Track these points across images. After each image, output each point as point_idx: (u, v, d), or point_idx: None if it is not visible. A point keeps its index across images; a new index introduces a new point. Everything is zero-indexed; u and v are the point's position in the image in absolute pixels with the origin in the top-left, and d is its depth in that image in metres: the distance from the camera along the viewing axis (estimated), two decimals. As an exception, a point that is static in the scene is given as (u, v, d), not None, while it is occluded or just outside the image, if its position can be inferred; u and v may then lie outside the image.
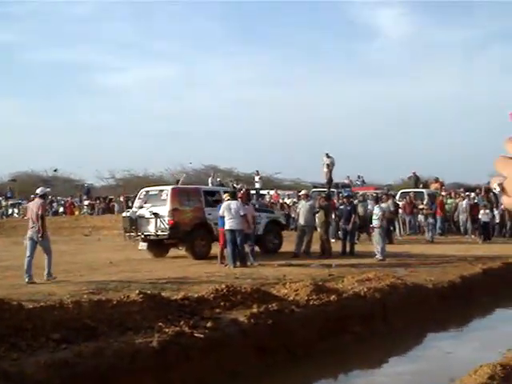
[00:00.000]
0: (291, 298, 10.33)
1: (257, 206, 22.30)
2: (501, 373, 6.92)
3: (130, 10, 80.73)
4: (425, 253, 19.87)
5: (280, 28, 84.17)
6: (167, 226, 17.89)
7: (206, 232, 18.46)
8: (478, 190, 30.48)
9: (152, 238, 18.30)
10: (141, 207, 18.93)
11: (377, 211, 18.61)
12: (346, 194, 24.10)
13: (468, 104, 79.31)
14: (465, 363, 8.19)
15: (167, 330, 7.82)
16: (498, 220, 26.42)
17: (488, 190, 31.24)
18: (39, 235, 12.76)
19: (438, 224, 26.63)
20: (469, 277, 14.15)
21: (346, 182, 35.54)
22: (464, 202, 27.33)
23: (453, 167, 66.17)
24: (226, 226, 15.79)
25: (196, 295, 9.98)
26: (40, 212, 12.87)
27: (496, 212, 26.28)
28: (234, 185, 32.63)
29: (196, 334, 7.92)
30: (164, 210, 18.11)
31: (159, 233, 18.05)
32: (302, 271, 14.86)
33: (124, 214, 20.35)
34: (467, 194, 29.81)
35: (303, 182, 45.53)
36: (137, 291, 9.29)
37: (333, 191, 29.09)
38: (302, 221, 18.76)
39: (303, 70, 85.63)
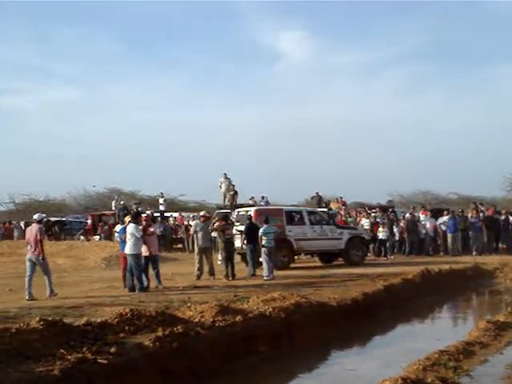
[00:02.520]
0: (196, 320, 10.23)
1: (161, 228, 22.54)
2: (402, 387, 7.08)
3: (29, 32, 78.85)
4: (328, 271, 20.20)
5: (184, 51, 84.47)
6: None
7: (286, 245, 21.86)
8: (377, 209, 31.34)
9: (239, 251, 20.99)
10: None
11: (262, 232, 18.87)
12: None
13: (365, 126, 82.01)
14: (367, 379, 8.32)
15: (69, 357, 7.53)
16: (397, 237, 27.22)
17: (387, 208, 32.22)
18: (40, 258, 14.39)
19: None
20: (371, 294, 14.46)
21: (251, 202, 35.73)
22: (365, 220, 28.05)
23: (355, 187, 67.82)
24: (125, 250, 15.65)
25: (99, 320, 9.71)
26: (39, 237, 14.34)
27: (396, 229, 27.09)
28: (137, 208, 32.17)
29: (99, 360, 7.67)
30: None
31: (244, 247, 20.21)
32: (207, 293, 14.79)
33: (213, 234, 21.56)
34: (369, 212, 30.55)
35: (208, 204, 45.46)
36: (37, 318, 8.93)
37: (228, 212, 29.13)
38: (201, 242, 18.66)
39: (206, 93, 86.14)
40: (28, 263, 14.59)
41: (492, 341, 10.33)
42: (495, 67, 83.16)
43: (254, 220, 20.57)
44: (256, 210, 22.39)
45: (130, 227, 15.53)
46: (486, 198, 48.62)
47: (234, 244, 19.50)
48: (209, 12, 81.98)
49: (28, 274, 14.38)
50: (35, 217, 15.16)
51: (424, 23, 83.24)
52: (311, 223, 22.88)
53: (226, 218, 20.21)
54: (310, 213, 23.70)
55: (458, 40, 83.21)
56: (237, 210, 24.28)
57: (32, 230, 14.65)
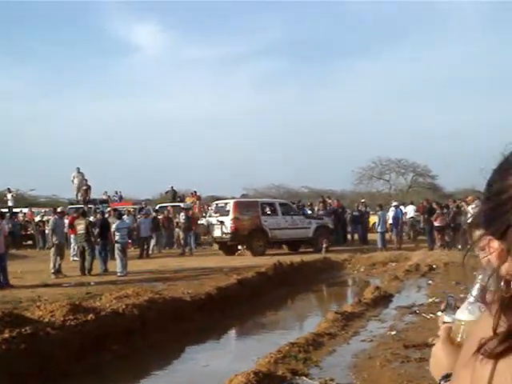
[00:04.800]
0: (46, 320, 9.92)
1: (9, 225, 21.91)
2: (254, 380, 7.25)
3: None
4: (182, 266, 20.26)
5: (34, 43, 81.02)
6: (230, 231, 23.58)
7: (262, 235, 24.12)
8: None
9: (218, 240, 24.52)
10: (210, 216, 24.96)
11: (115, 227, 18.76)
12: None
13: (220, 119, 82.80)
14: (221, 374, 8.43)
15: None
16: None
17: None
18: None
19: (193, 238, 27.32)
20: (225, 287, 14.65)
21: (104, 197, 35.09)
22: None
23: (209, 181, 68.32)
24: None
25: None
26: None
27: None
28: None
29: None
30: (227, 218, 23.68)
31: (224, 236, 23.81)
32: (58, 291, 14.40)
33: (199, 222, 26.29)
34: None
35: (60, 199, 43.95)
36: None
37: (90, 207, 28.53)
38: (57, 238, 18.13)
39: (58, 84, 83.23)
40: None
41: (340, 331, 10.77)
42: (348, 63, 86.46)
43: (233, 211, 23.54)
44: (235, 202, 25.07)
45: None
46: (336, 191, 50.69)
47: (90, 239, 19.15)
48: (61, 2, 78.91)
49: None
50: None
51: (281, 19, 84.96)
52: (283, 214, 25.09)
53: (83, 213, 19.88)
54: (281, 204, 26.13)
55: (312, 36, 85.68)
56: (215, 203, 26.73)
57: None
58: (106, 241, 19.03)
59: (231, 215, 23.82)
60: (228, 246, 24.69)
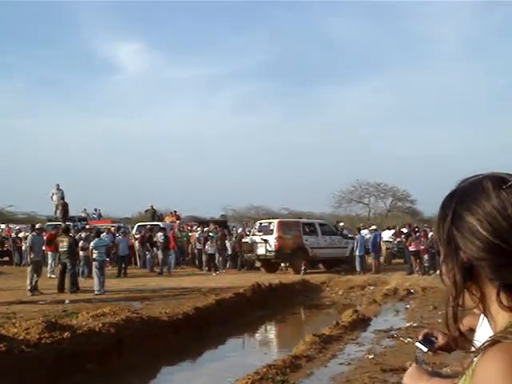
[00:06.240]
0: (21, 338, 9.79)
1: None
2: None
3: None
4: (160, 285, 20.14)
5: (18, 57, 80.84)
6: (273, 249, 24.72)
7: (304, 253, 25.19)
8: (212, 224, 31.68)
9: (262, 258, 25.43)
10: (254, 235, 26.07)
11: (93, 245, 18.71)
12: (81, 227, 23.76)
13: (201, 140, 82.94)
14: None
15: None
16: (230, 252, 27.67)
17: (220, 222, 32.65)
18: None
19: (173, 256, 27.19)
20: (203, 308, 14.56)
21: (83, 215, 34.86)
22: (197, 234, 28.29)
23: (189, 201, 68.14)
24: None
25: None
26: None
27: (228, 244, 27.53)
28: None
29: None
30: (271, 237, 24.87)
31: (267, 254, 24.91)
32: (33, 308, 14.22)
33: (243, 240, 27.05)
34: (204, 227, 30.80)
35: (38, 216, 43.55)
36: None
37: (69, 224, 28.31)
38: (35, 256, 17.94)
39: (41, 101, 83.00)
40: None
41: (317, 354, 10.74)
42: (326, 87, 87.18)
43: (277, 230, 24.81)
44: (279, 222, 26.18)
45: None
46: (315, 213, 50.84)
47: (72, 256, 18.95)
48: (46, 17, 78.92)
49: None
50: None
51: (262, 42, 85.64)
52: (322, 233, 26.27)
53: (66, 230, 19.76)
54: (321, 224, 27.51)
55: (293, 60, 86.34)
56: (259, 222, 27.79)
57: None
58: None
59: (275, 234, 24.98)
60: (270, 264, 25.66)
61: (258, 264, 26.37)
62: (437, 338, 2.24)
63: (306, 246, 25.54)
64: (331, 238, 26.52)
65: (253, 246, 25.78)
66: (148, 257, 27.13)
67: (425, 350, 2.15)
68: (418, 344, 2.17)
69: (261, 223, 27.02)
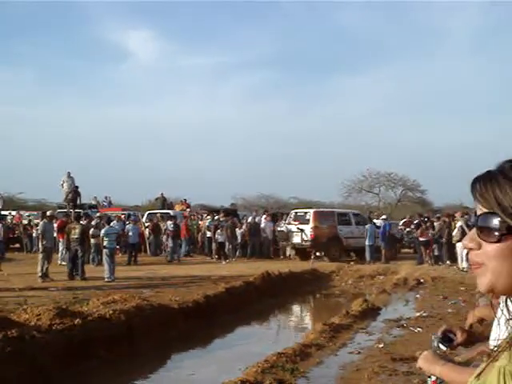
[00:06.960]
0: (33, 324, 9.84)
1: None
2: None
3: None
4: (170, 273, 20.18)
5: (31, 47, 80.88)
6: (309, 238, 25.41)
7: (338, 243, 26.17)
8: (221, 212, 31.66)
9: (298, 246, 26.25)
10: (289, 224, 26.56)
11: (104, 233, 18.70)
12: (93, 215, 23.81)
13: (211, 129, 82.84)
14: (207, 383, 8.40)
15: None
16: (240, 240, 27.65)
17: (230, 211, 32.62)
18: None
19: (184, 245, 27.23)
20: (212, 296, 14.59)
21: (93, 202, 34.92)
22: (208, 222, 28.29)
23: (199, 189, 68.25)
24: None
25: None
26: None
27: (238, 232, 27.51)
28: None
29: None
30: (307, 227, 25.53)
31: (303, 243, 25.68)
32: (44, 295, 14.29)
33: (279, 229, 27.52)
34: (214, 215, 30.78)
35: (49, 203, 43.71)
36: None
37: (80, 212, 28.38)
38: (47, 242, 18.03)
39: (53, 90, 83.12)
40: None
41: (327, 342, 10.77)
42: (337, 77, 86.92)
43: (313, 220, 25.54)
44: (315, 212, 26.80)
45: None
46: (325, 203, 50.74)
47: (84, 243, 19.03)
48: (55, 7, 78.84)
49: None
50: None
51: (271, 32, 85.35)
52: (356, 224, 27.05)
53: (78, 217, 19.82)
54: (354, 215, 28.21)
55: (302, 50, 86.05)
56: (294, 211, 28.09)
57: None
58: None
59: (311, 223, 25.72)
60: (305, 252, 26.11)
61: (289, 252, 27.21)
62: (455, 335, 2.21)
63: (341, 236, 26.38)
64: (364, 227, 26.66)
65: (288, 234, 26.39)
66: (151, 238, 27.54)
67: (444, 349, 2.12)
68: (436, 343, 2.15)
69: (296, 212, 27.64)
